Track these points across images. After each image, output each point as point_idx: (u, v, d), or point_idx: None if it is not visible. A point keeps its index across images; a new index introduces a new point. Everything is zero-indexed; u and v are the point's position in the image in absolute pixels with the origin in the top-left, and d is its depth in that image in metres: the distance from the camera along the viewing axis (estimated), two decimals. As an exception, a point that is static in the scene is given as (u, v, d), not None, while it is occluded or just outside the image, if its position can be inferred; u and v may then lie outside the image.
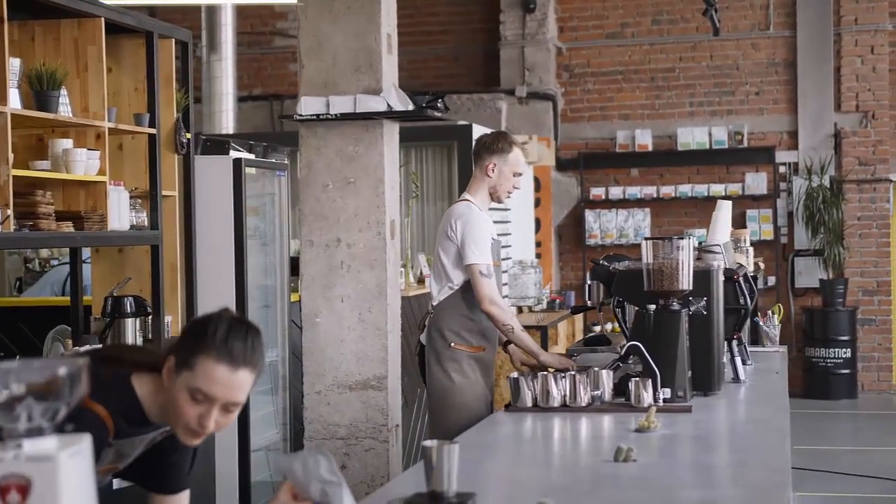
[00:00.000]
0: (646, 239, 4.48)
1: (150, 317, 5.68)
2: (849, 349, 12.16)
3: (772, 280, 12.51)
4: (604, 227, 12.91)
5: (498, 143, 5.27)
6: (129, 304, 5.54)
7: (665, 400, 4.24)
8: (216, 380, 2.50)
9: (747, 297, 5.08)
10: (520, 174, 5.29)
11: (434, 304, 5.25)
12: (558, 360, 5.09)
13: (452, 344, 5.16)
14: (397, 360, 5.91)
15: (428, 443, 2.72)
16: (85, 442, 1.83)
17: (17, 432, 1.80)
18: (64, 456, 1.77)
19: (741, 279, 5.10)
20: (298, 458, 2.51)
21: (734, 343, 5.07)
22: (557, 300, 11.19)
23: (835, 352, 12.14)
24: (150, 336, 5.68)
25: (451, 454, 2.74)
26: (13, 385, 1.81)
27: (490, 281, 5.07)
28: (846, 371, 12.17)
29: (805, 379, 12.33)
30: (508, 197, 5.34)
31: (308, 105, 5.73)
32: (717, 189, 12.55)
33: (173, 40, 5.94)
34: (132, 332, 5.57)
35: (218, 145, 6.61)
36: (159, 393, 2.62)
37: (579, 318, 11.31)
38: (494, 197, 5.28)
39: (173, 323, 5.95)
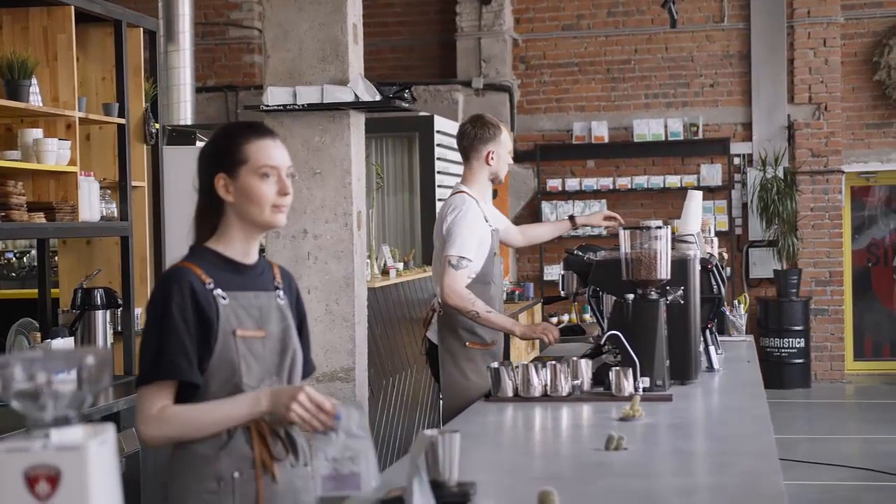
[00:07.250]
0: (624, 228, 4.50)
1: (120, 309, 5.61)
2: (802, 339, 12.30)
3: (727, 271, 12.60)
4: (560, 218, 12.94)
5: (489, 130, 5.23)
6: (99, 296, 5.46)
7: (644, 389, 4.27)
8: (270, 149, 2.83)
9: (721, 285, 5.11)
10: (510, 150, 5.33)
11: (441, 301, 5.15)
12: (532, 329, 5.13)
13: (468, 343, 5.11)
14: (364, 351, 5.89)
15: (429, 432, 2.73)
16: (110, 431, 1.82)
17: (44, 422, 1.78)
18: (93, 445, 1.75)
19: (714, 268, 5.14)
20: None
21: (708, 332, 5.11)
22: (517, 291, 11.24)
23: (789, 342, 12.27)
24: (120, 328, 5.61)
25: (453, 443, 2.75)
26: (39, 374, 1.79)
27: (458, 273, 5.00)
28: (800, 361, 12.31)
29: (760, 368, 12.43)
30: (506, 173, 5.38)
31: (274, 95, 5.70)
32: (673, 181, 12.63)
33: (141, 30, 5.87)
34: (102, 324, 5.49)
35: (183, 136, 6.56)
36: (229, 227, 2.84)
37: (538, 309, 11.39)
38: (496, 181, 5.29)
39: (143, 315, 5.89)
